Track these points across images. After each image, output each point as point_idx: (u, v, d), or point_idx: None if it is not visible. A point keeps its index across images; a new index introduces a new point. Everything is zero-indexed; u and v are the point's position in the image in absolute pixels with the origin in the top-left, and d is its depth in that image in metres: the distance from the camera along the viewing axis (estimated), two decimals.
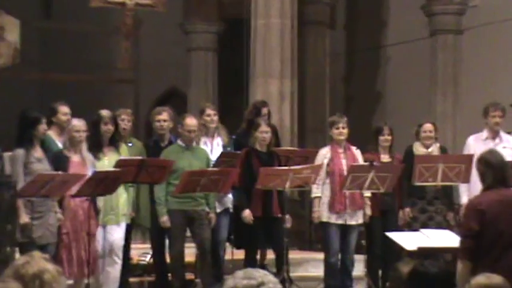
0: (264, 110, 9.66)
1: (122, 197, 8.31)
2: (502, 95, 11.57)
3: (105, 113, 8.36)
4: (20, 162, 7.68)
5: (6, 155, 7.83)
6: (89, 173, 7.91)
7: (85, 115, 8.39)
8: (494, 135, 9.20)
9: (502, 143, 9.17)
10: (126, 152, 8.59)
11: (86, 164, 8.07)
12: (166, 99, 16.23)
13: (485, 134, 9.27)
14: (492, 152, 6.07)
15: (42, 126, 7.82)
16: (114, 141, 8.39)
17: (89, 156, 8.14)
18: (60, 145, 8.30)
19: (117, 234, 8.26)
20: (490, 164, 5.81)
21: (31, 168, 7.69)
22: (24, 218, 7.51)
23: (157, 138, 9.14)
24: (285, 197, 8.76)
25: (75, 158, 8.03)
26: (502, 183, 5.79)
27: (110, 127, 8.31)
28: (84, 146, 8.11)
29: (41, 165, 7.75)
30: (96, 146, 8.25)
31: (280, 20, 11.75)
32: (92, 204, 7.92)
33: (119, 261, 8.26)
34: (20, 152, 7.71)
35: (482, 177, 5.84)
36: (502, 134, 9.27)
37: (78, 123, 8.11)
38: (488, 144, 9.06)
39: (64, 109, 8.64)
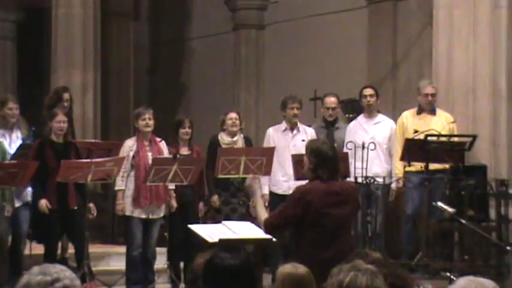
0: (66, 96, 9.51)
1: None
2: (303, 89, 11.91)
3: None
4: None
5: None
6: None
7: None
8: (293, 126, 9.48)
9: (299, 134, 9.44)
10: None
11: None
12: None
13: (283, 125, 9.52)
14: (327, 144, 6.08)
15: None
16: None
17: None
18: None
19: None
20: (326, 157, 5.84)
21: None
22: None
23: None
24: (86, 188, 8.60)
25: None
26: (333, 176, 5.89)
27: None
28: None
29: None
30: None
31: (83, 9, 11.55)
32: None
33: None
34: None
35: (314, 168, 5.85)
36: (301, 126, 9.54)
37: None
38: (287, 135, 9.38)
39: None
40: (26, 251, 8.79)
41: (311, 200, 5.78)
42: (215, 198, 9.31)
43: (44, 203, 8.44)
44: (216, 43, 14.59)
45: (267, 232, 6.06)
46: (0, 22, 14.38)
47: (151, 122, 8.85)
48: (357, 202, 6.21)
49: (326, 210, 5.83)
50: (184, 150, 9.29)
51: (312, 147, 5.98)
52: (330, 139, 8.94)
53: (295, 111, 9.43)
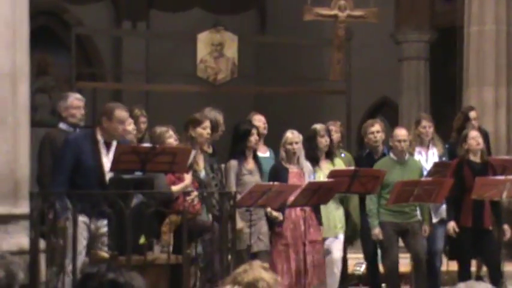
0: (472, 114, 9.58)
1: (339, 209, 8.45)
2: None
3: (319, 126, 8.52)
4: (233, 174, 7.94)
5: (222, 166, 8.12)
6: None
7: (298, 127, 8.57)
8: None
9: None
10: (341, 163, 8.70)
11: (304, 174, 8.25)
12: (377, 110, 16.24)
13: None
14: None
15: (254, 137, 8.05)
16: (329, 154, 8.55)
17: (307, 165, 8.32)
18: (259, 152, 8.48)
19: (336, 246, 8.40)
20: None
21: (243, 179, 7.94)
22: (240, 223, 7.69)
23: (370, 150, 9.16)
24: (501, 208, 8.53)
25: (293, 168, 8.23)
26: None
27: (327, 139, 8.48)
28: (301, 157, 8.29)
29: (253, 178, 7.98)
30: (312, 160, 8.41)
31: (495, 26, 11.47)
32: (314, 214, 8.13)
33: (338, 273, 8.39)
34: (233, 163, 7.98)
35: None
36: None
37: (291, 135, 8.29)
38: None
39: (257, 118, 8.84)
40: (443, 267, 8.94)
41: None
42: None
43: (451, 225, 8.47)
44: None
45: None
46: (415, 43, 14.81)
47: None
48: None
49: None
50: None
51: None
52: None
53: None
